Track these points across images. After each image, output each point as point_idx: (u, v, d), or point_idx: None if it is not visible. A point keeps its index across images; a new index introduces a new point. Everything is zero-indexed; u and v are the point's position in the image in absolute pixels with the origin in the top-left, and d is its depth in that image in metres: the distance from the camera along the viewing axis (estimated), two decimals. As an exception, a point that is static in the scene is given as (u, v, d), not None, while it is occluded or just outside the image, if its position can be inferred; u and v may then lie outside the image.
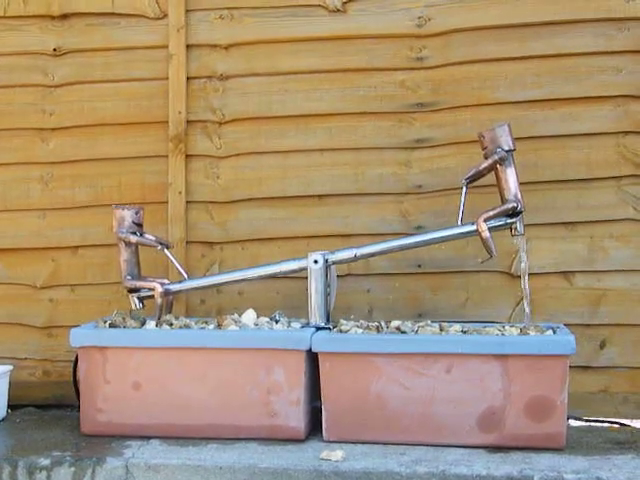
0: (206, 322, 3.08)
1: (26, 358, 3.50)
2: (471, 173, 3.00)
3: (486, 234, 2.91)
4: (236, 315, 3.10)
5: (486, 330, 2.91)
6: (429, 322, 3.00)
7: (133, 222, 3.13)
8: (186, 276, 3.17)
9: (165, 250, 3.16)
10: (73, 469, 2.67)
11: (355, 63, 3.35)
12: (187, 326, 3.03)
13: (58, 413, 3.35)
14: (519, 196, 2.94)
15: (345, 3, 3.35)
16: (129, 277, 3.14)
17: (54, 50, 3.50)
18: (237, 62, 3.42)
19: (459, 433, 2.74)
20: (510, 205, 2.93)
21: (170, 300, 3.17)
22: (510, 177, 2.95)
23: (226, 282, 3.20)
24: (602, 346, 3.21)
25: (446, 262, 3.28)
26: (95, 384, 2.91)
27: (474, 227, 2.95)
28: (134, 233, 3.13)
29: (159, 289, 3.09)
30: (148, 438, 2.87)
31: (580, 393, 3.15)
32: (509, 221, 2.95)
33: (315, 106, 3.37)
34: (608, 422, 3.15)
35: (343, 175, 3.36)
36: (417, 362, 2.77)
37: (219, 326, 3.00)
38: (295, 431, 2.83)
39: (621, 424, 3.14)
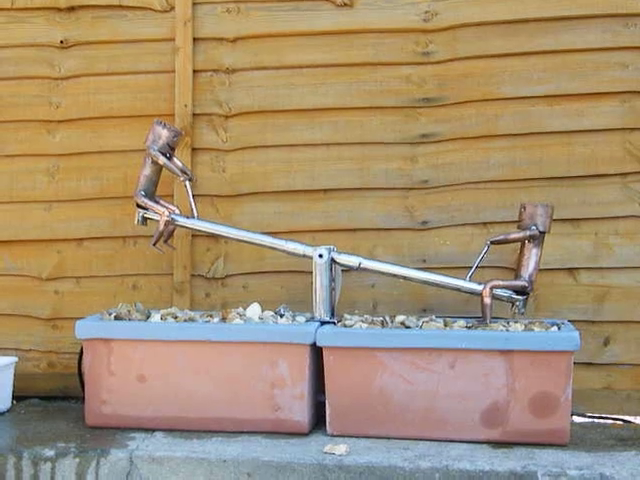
0: (211, 315, 3.09)
1: (31, 350, 3.51)
2: (498, 238, 3.02)
3: (488, 301, 2.94)
4: (241, 309, 3.11)
5: (490, 326, 2.91)
6: (433, 317, 3.01)
7: (167, 143, 3.11)
8: (196, 215, 3.16)
9: (186, 182, 3.14)
10: (77, 460, 2.68)
11: (361, 57, 3.35)
12: (192, 319, 3.04)
13: (63, 405, 3.36)
14: (533, 278, 2.97)
15: (352, -3, 3.35)
16: (142, 193, 3.12)
17: (61, 42, 3.50)
18: (244, 56, 3.42)
19: (463, 428, 2.75)
20: (521, 283, 2.96)
21: (171, 230, 3.15)
22: (533, 257, 2.98)
23: (229, 237, 3.17)
24: (606, 343, 3.21)
25: (451, 257, 3.28)
26: (100, 376, 2.92)
27: (480, 288, 2.97)
28: (164, 154, 3.11)
29: (165, 216, 3.09)
30: (152, 430, 2.88)
31: (584, 389, 3.16)
32: (514, 297, 2.99)
33: (321, 100, 3.37)
34: (612, 419, 3.16)
35: (349, 170, 3.36)
36: (421, 357, 2.77)
37: (224, 320, 3.01)
38: (299, 425, 2.84)
39: (625, 421, 3.15)
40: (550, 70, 3.25)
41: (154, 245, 3.12)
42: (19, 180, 3.53)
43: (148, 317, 3.08)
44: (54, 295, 3.51)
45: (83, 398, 3.03)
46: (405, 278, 3.09)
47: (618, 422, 3.13)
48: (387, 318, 2.98)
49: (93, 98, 3.49)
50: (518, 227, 3.02)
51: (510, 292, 3.00)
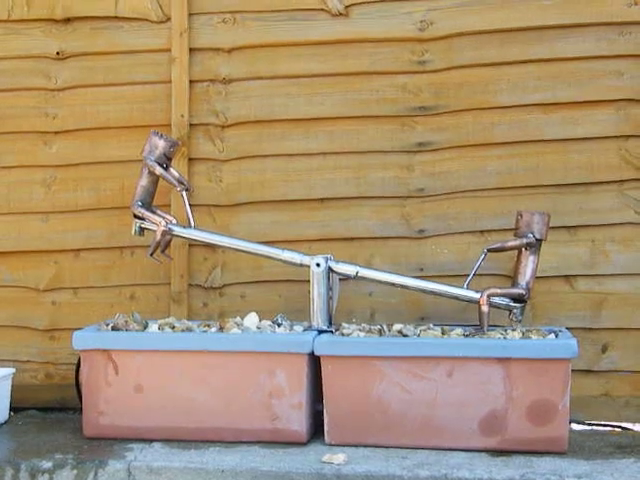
0: (208, 325, 3.09)
1: (29, 361, 3.51)
2: (495, 246, 3.03)
3: (485, 309, 2.95)
4: (238, 318, 3.10)
5: (488, 334, 2.91)
6: (431, 325, 3.01)
7: (164, 154, 3.11)
8: (193, 224, 3.16)
9: (183, 192, 3.14)
10: (75, 472, 2.67)
11: (357, 67, 3.36)
12: (189, 329, 3.04)
13: (60, 416, 3.36)
14: (530, 285, 2.98)
15: (347, 7, 3.35)
16: (139, 203, 3.12)
17: (57, 54, 3.51)
18: (240, 66, 3.42)
19: (461, 437, 2.75)
20: (518, 291, 2.97)
21: (168, 240, 3.15)
22: (530, 265, 2.98)
23: (226, 246, 3.18)
24: (604, 350, 3.21)
25: (448, 265, 3.28)
26: (97, 387, 2.92)
27: (477, 296, 2.98)
28: (161, 165, 3.11)
29: (162, 226, 3.09)
30: (150, 441, 2.87)
31: (582, 397, 3.15)
32: (512, 304, 3.00)
33: (317, 110, 3.37)
34: (610, 426, 3.15)
35: (345, 179, 3.36)
36: (419, 365, 2.77)
37: (221, 329, 3.01)
38: (297, 434, 2.83)
39: (623, 428, 3.15)
40: (546, 78, 3.25)
41: (151, 255, 3.13)
42: (16, 191, 3.53)
43: (145, 327, 3.08)
44: (51, 306, 3.51)
45: (81, 409, 3.02)
46: (402, 286, 3.09)
47: (617, 429, 3.13)
48: (385, 327, 2.98)
49: (90, 109, 3.50)
50: (515, 235, 3.02)
51: (507, 300, 3.00)
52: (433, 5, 3.30)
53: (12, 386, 3.25)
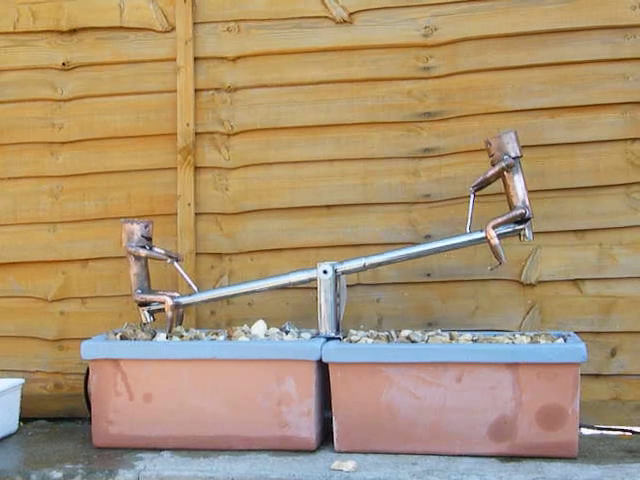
0: (216, 333, 3.09)
1: (37, 371, 3.52)
2: (478, 181, 3.01)
3: (495, 241, 2.92)
4: (246, 326, 3.11)
5: (496, 339, 2.90)
6: (439, 331, 3.00)
7: (142, 236, 3.14)
8: (196, 289, 3.18)
9: (175, 263, 3.17)
10: (85, 482, 2.68)
11: (362, 73, 3.36)
12: (197, 338, 3.04)
13: (70, 426, 3.36)
14: (527, 202, 2.94)
15: (351, 14, 3.36)
16: (139, 291, 3.15)
17: (63, 64, 3.53)
18: (245, 74, 3.43)
19: (470, 442, 2.74)
20: (518, 212, 2.94)
21: (180, 313, 3.18)
22: (518, 184, 2.96)
23: (236, 294, 3.21)
24: (613, 354, 3.20)
25: (455, 271, 3.28)
26: (106, 396, 2.92)
27: (483, 234, 2.96)
28: (143, 247, 3.14)
29: (169, 302, 3.10)
30: (159, 450, 2.88)
31: (592, 401, 3.14)
32: (517, 227, 2.96)
33: (323, 117, 3.38)
34: (620, 430, 3.14)
35: (352, 185, 3.36)
36: (428, 371, 2.76)
37: (229, 337, 3.01)
38: (306, 442, 2.83)
39: (634, 432, 3.13)
40: (551, 82, 3.25)
41: (169, 333, 3.10)
42: (23, 202, 3.54)
43: (154, 336, 3.08)
44: (60, 316, 3.52)
45: (90, 419, 3.02)
46: (409, 257, 3.07)
47: (627, 433, 3.12)
48: (393, 333, 2.98)
49: (96, 119, 3.51)
50: (491, 164, 2.99)
51: (512, 225, 2.97)
52: (437, 11, 3.31)
53: (22, 396, 3.25)
